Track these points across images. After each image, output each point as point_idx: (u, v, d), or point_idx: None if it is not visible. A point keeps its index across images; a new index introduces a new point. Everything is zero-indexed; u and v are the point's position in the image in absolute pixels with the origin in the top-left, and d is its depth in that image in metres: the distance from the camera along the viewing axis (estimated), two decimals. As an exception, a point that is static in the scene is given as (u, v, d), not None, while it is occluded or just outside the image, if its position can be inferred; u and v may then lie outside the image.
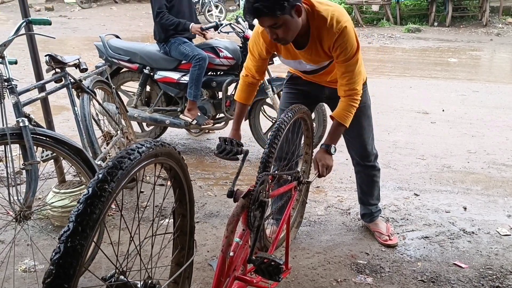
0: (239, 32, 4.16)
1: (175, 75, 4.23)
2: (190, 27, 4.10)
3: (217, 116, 4.44)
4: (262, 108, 4.35)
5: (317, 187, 3.67)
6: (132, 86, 4.64)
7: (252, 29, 4.16)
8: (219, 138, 2.21)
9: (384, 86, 6.84)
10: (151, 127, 4.69)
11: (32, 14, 3.00)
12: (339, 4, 13.77)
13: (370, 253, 2.79)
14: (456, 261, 2.70)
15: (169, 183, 1.45)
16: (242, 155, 1.93)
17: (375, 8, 13.64)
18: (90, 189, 0.97)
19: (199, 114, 4.26)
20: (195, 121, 4.23)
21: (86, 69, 3.34)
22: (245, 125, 4.30)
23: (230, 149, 2.11)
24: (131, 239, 1.20)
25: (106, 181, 0.99)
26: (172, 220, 1.57)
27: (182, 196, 1.44)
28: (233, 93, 4.33)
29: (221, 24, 4.18)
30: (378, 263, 2.69)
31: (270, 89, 4.11)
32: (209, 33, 4.26)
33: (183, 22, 4.11)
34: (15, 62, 2.77)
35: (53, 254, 0.91)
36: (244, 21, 4.21)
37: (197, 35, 4.26)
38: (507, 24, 12.47)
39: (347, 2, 13.30)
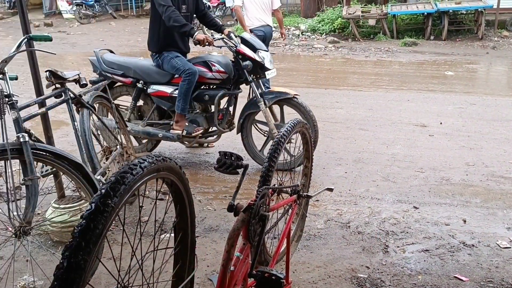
0: (232, 46, 4.19)
1: (168, 89, 4.26)
2: (195, 34, 4.05)
3: (210, 130, 4.46)
4: (254, 122, 4.37)
5: (317, 200, 3.67)
6: (125, 100, 4.67)
7: (244, 43, 4.21)
8: (219, 152, 2.21)
9: (382, 100, 6.88)
10: (146, 140, 4.72)
11: (31, 29, 3.03)
12: (335, 19, 13.93)
13: (370, 267, 2.78)
14: (456, 274, 2.69)
15: (169, 197, 1.45)
16: (242, 169, 1.94)
17: (371, 22, 13.76)
18: (93, 205, 0.98)
19: (186, 124, 4.27)
20: (184, 132, 4.25)
21: (86, 84, 3.36)
22: (240, 142, 4.33)
23: (230, 163, 2.11)
24: (132, 253, 1.20)
25: (109, 196, 0.99)
26: (172, 234, 1.58)
27: (183, 210, 1.45)
28: (225, 106, 4.36)
29: (214, 38, 4.21)
30: (378, 276, 2.69)
31: (262, 102, 4.13)
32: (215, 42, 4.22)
33: (191, 26, 4.09)
34: (16, 78, 2.79)
35: (57, 269, 0.91)
36: (237, 37, 4.25)
37: (192, 47, 4.25)
38: (503, 37, 12.59)
39: (344, 16, 13.43)
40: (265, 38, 6.23)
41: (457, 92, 7.46)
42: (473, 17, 13.08)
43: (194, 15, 4.43)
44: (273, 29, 6.72)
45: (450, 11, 12.70)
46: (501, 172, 4.20)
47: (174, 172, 1.30)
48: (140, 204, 3.46)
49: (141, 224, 3.16)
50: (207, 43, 4.05)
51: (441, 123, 5.68)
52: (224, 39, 4.24)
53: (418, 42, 12.36)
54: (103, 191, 1.00)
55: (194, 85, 4.18)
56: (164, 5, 3.98)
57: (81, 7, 18.70)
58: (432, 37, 12.79)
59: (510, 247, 2.99)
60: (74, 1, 18.81)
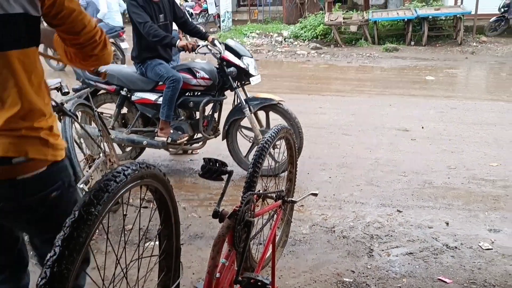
0: (216, 53, 4.20)
1: (152, 96, 4.25)
2: (177, 43, 4.07)
3: (195, 136, 4.46)
4: (239, 127, 4.38)
5: (301, 205, 3.68)
6: (109, 108, 4.64)
7: (228, 50, 4.22)
8: (204, 159, 2.21)
9: (365, 105, 6.95)
10: (130, 148, 4.69)
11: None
12: (318, 25, 14.06)
13: (355, 271, 2.80)
14: (440, 276, 2.73)
15: (154, 205, 1.45)
16: (227, 175, 1.94)
17: (353, 28, 13.91)
18: (76, 213, 0.97)
19: (171, 131, 4.26)
20: (169, 139, 4.24)
21: (68, 92, 3.33)
22: (225, 148, 4.33)
23: (215, 169, 2.11)
24: (117, 262, 1.19)
25: (92, 204, 0.99)
26: (157, 242, 1.57)
27: (168, 217, 1.44)
28: (210, 113, 4.36)
29: (198, 45, 4.21)
30: (364, 280, 2.70)
31: (247, 109, 4.15)
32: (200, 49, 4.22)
33: (171, 36, 4.11)
34: None
35: (39, 279, 0.90)
36: (221, 43, 4.26)
37: (177, 53, 4.26)
38: (481, 42, 12.83)
39: (326, 23, 13.55)
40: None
41: (438, 96, 7.57)
42: (452, 23, 13.30)
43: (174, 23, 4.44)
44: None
45: (430, 17, 12.90)
46: (482, 175, 4.27)
47: (158, 179, 1.29)
48: (124, 213, 3.43)
49: (125, 232, 3.14)
50: (191, 48, 4.07)
51: (422, 127, 5.76)
52: (208, 46, 4.24)
53: (399, 47, 12.53)
54: (86, 199, 1.00)
55: (179, 92, 4.18)
56: (141, 22, 4.01)
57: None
58: (412, 43, 12.98)
59: (492, 249, 3.03)
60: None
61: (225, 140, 4.35)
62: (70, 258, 0.92)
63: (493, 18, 13.45)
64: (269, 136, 2.23)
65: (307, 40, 13.96)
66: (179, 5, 4.46)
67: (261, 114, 4.45)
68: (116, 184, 1.06)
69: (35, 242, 1.70)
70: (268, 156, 2.24)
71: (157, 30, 4.01)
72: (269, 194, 2.33)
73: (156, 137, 4.29)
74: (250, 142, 4.44)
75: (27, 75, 1.46)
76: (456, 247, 3.06)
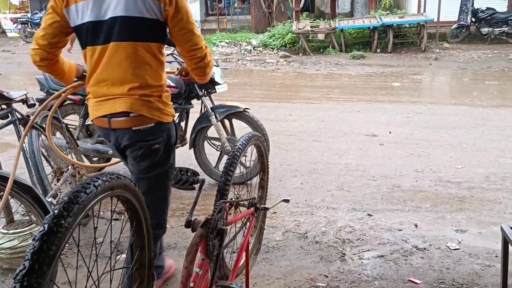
0: (182, 62, 4.20)
1: None
2: None
3: None
4: (206, 137, 4.37)
5: (274, 212, 3.70)
6: (73, 120, 4.57)
7: None
8: (175, 168, 2.21)
9: (333, 111, 7.05)
10: (96, 159, 4.61)
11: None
12: (286, 34, 14.22)
13: (329, 275, 2.83)
14: (410, 278, 2.79)
15: (125, 217, 1.44)
16: (199, 184, 1.94)
17: (320, 36, 14.12)
18: (46, 225, 0.95)
19: None
20: None
21: (34, 105, 3.27)
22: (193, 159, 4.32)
23: (186, 179, 2.11)
24: (89, 275, 1.18)
25: (62, 217, 0.98)
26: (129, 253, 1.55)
27: (140, 228, 1.43)
28: (176, 121, 4.33)
29: (164, 54, 4.19)
30: (337, 284, 2.74)
31: (213, 117, 4.15)
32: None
33: None
34: None
35: (9, 294, 0.89)
36: None
37: None
38: (444, 49, 13.24)
39: (294, 31, 13.72)
40: None
41: (404, 102, 7.76)
42: (416, 30, 13.69)
43: None
44: None
45: (394, 25, 13.25)
46: (448, 177, 4.39)
47: (129, 190, 1.29)
48: (95, 226, 3.37)
49: (97, 245, 3.08)
50: None
51: (390, 132, 5.89)
52: (173, 54, 4.24)
53: (365, 55, 12.79)
54: (56, 211, 0.98)
55: None
56: None
57: (26, 25, 18.13)
58: (378, 50, 13.28)
59: (459, 249, 3.12)
60: (18, 20, 18.23)
61: (192, 149, 4.33)
62: (40, 272, 0.90)
63: (455, 25, 13.92)
64: (240, 144, 2.24)
65: (276, 48, 14.09)
66: None
67: (228, 123, 4.45)
68: (87, 196, 1.05)
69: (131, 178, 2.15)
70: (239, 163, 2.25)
71: None
72: (242, 202, 2.34)
73: None
74: (218, 150, 4.43)
75: (146, 60, 2.11)
76: (425, 248, 3.13)
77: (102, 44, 2.07)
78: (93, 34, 2.07)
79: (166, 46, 4.41)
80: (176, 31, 2.12)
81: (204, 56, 2.19)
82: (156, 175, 2.25)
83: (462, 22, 13.56)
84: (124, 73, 2.09)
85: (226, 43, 14.99)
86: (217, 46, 14.65)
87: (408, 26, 13.77)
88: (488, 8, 13.42)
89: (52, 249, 0.93)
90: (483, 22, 13.52)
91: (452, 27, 13.94)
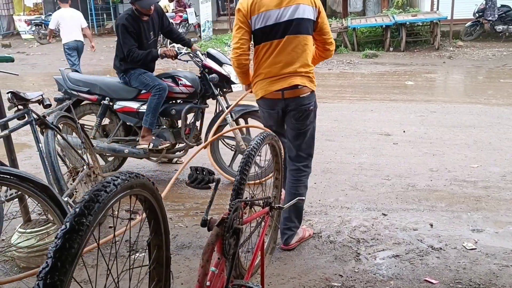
0: (198, 61, 4.23)
1: (134, 105, 4.25)
2: (158, 54, 4.15)
3: (177, 145, 4.45)
4: (221, 137, 4.39)
5: (288, 212, 3.69)
6: (89, 120, 4.62)
7: (210, 58, 4.27)
8: (191, 167, 2.21)
9: (346, 110, 7.03)
10: (112, 158, 4.66)
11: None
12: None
13: (343, 275, 2.82)
14: (426, 277, 2.76)
15: (139, 215, 1.44)
16: (214, 183, 1.94)
17: (333, 35, 14.07)
18: (68, 224, 0.96)
19: (153, 138, 4.26)
20: (151, 145, 4.23)
21: (50, 105, 3.30)
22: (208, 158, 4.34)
23: (202, 178, 2.11)
24: (108, 272, 1.19)
25: (83, 215, 0.98)
26: (146, 253, 1.56)
27: (157, 227, 1.44)
28: (192, 121, 4.37)
29: (180, 52, 4.23)
30: (352, 284, 2.72)
31: (229, 116, 4.16)
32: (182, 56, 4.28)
33: (152, 51, 4.18)
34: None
35: (32, 292, 0.90)
36: (203, 54, 4.30)
37: (158, 61, 4.31)
38: (457, 47, 13.11)
39: (306, 30, 13.67)
40: (78, 49, 9.00)
41: (417, 101, 7.70)
42: (429, 29, 13.57)
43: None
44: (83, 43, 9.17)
45: (407, 23, 13.15)
46: (463, 177, 4.35)
47: (147, 189, 1.29)
48: (113, 225, 3.40)
49: (112, 244, 3.10)
50: (173, 54, 4.15)
51: (404, 131, 5.85)
52: (190, 54, 4.27)
53: (378, 53, 12.71)
54: (77, 209, 0.99)
55: None
56: (126, 49, 4.11)
57: (40, 27, 18.33)
58: (391, 49, 13.19)
59: (475, 248, 3.09)
60: (33, 22, 18.44)
61: (207, 149, 4.35)
62: (62, 269, 0.91)
63: (469, 23, 13.77)
64: (255, 143, 2.24)
65: (287, 48, 14.05)
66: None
67: (242, 122, 4.46)
68: (107, 194, 1.06)
69: (287, 144, 3.16)
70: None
71: (139, 55, 4.12)
72: (257, 201, 2.33)
73: (137, 146, 4.28)
74: (232, 150, 4.45)
75: (306, 48, 2.98)
76: (441, 248, 3.11)
77: (278, 38, 2.93)
78: (270, 32, 2.93)
79: (180, 45, 4.48)
80: (320, 25, 3.02)
81: (332, 41, 3.20)
82: (311, 127, 3.13)
83: (489, 18, 13.28)
84: (294, 57, 2.95)
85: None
86: (229, 46, 14.66)
87: (421, 24, 13.66)
88: (503, 5, 13.25)
89: (74, 247, 0.94)
90: (497, 19, 13.35)
91: (466, 24, 13.78)
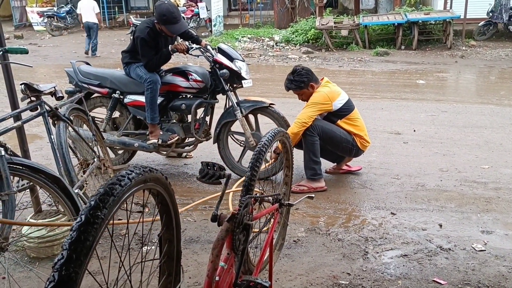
0: (209, 56, 4.23)
1: (144, 99, 4.26)
2: (170, 50, 4.16)
3: (187, 140, 4.46)
4: (230, 131, 4.39)
5: (297, 209, 3.70)
6: (100, 113, 4.65)
7: (221, 53, 4.26)
8: (202, 162, 2.22)
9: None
10: (121, 151, 4.69)
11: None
12: (309, 30, 14.15)
13: (351, 273, 2.81)
14: (435, 278, 2.75)
15: (149, 209, 1.45)
16: (225, 179, 1.95)
17: (344, 33, 14.01)
18: (83, 216, 0.97)
19: (161, 132, 4.28)
20: (160, 140, 4.25)
21: (62, 97, 3.33)
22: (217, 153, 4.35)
23: (213, 173, 2.12)
24: (121, 264, 1.20)
25: (98, 208, 0.99)
26: (155, 246, 1.57)
27: (169, 221, 1.45)
28: (202, 116, 4.37)
29: (191, 47, 4.23)
30: (359, 283, 2.72)
31: (239, 111, 4.16)
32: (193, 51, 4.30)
33: (165, 51, 4.19)
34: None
35: (47, 283, 0.91)
36: (213, 49, 4.30)
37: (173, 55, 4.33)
38: (470, 46, 12.99)
39: (317, 27, 13.63)
40: (89, 28, 13.28)
41: (428, 100, 7.65)
42: (441, 27, 13.46)
43: None
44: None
45: (420, 21, 13.06)
46: (474, 177, 4.32)
47: (161, 183, 1.30)
48: (128, 218, 3.42)
49: (121, 237, 3.13)
50: (184, 49, 4.15)
51: (414, 131, 5.81)
52: (201, 49, 4.27)
53: (389, 51, 12.64)
54: (92, 202, 1.00)
55: (172, 95, 4.21)
56: (146, 61, 4.15)
57: (52, 19, 18.45)
58: (403, 47, 13.11)
59: (485, 250, 3.07)
60: (45, 13, 18.55)
61: (216, 144, 4.36)
62: (77, 262, 0.92)
63: (482, 23, 13.65)
64: (266, 139, 2.24)
65: (298, 44, 14.04)
66: None
67: (251, 118, 4.47)
68: (121, 188, 1.07)
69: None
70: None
71: (155, 61, 4.17)
72: (266, 198, 2.34)
73: (147, 141, 4.31)
74: (241, 146, 4.45)
75: None
76: (449, 249, 3.09)
77: None
78: None
79: (189, 42, 4.49)
80: None
81: None
82: None
83: (496, 20, 13.18)
84: None
85: (248, 38, 15.00)
86: (240, 41, 14.66)
87: (433, 22, 13.56)
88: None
89: (89, 240, 0.95)
90: (511, 19, 13.21)
91: (479, 24, 13.66)
